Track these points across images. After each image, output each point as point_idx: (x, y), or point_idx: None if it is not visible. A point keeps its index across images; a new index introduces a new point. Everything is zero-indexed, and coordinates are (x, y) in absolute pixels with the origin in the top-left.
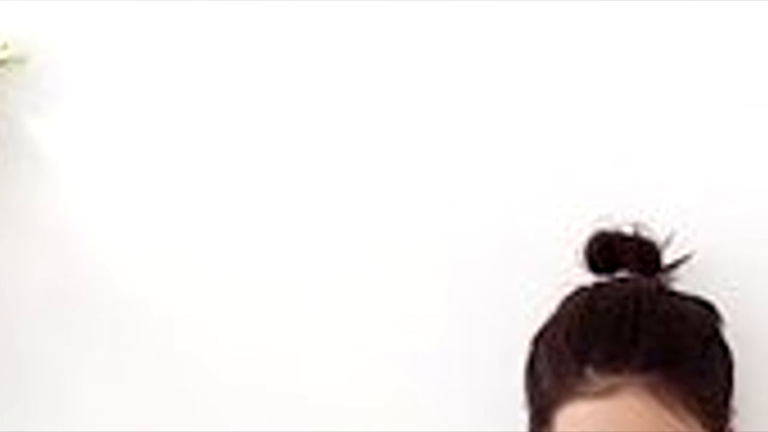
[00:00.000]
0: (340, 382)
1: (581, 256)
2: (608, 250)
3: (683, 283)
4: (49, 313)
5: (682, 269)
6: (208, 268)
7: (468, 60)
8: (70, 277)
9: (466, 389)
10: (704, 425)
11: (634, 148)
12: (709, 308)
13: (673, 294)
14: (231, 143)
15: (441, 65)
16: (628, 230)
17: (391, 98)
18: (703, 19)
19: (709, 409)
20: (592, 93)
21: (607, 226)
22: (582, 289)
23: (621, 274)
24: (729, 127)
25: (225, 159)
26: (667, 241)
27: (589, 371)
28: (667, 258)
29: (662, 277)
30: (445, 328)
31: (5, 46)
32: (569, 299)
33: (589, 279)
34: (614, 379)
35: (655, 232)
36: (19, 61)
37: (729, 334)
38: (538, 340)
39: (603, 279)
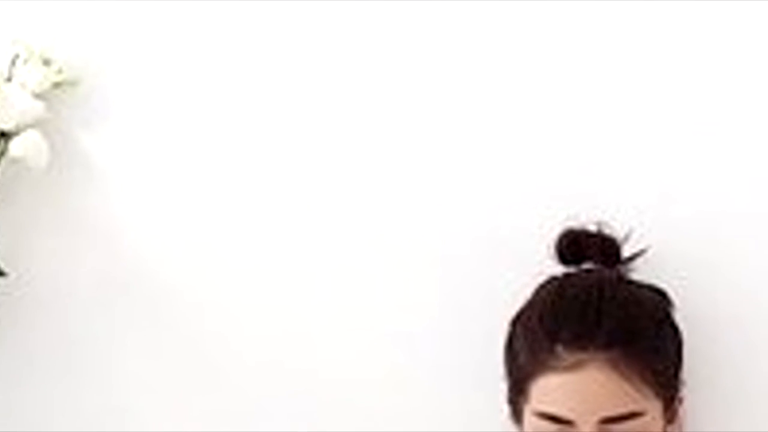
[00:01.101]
0: (346, 358)
1: (552, 250)
2: (575, 245)
3: (639, 273)
4: (97, 299)
5: (639, 261)
6: (232, 261)
7: (458, 78)
8: (116, 267)
9: (455, 364)
10: (657, 394)
11: (597, 159)
12: (661, 295)
13: (631, 282)
14: (250, 158)
15: (432, 81)
16: (592, 228)
17: (392, 113)
18: (660, 34)
19: (662, 381)
20: (561, 115)
21: (575, 224)
22: (553, 279)
23: (586, 265)
24: (679, 139)
25: (246, 170)
26: (626, 238)
27: (559, 348)
28: (626, 252)
29: (621, 268)
30: (436, 312)
31: (60, 71)
32: (542, 287)
33: (559, 270)
34: (581, 356)
35: (616, 230)
36: (72, 83)
37: (679, 317)
38: (516, 322)
39: (571, 270)
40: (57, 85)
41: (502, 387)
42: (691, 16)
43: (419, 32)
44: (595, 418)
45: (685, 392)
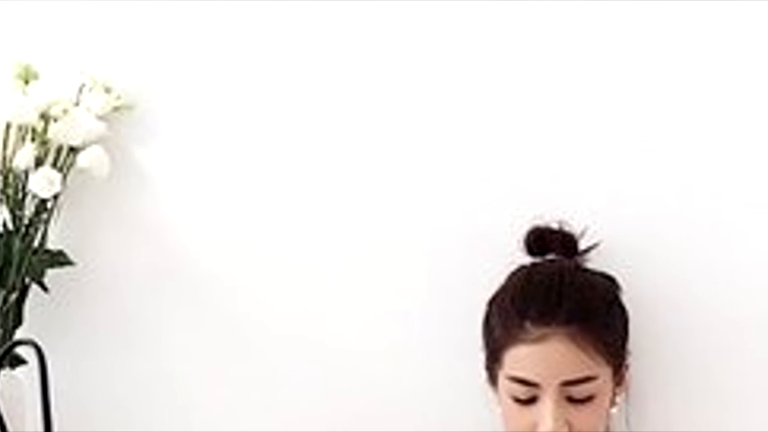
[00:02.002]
0: (351, 333)
1: (522, 244)
2: (541, 240)
3: (593, 262)
4: (149, 283)
5: (593, 253)
6: (259, 254)
7: (447, 104)
8: (164, 258)
9: (441, 337)
10: (608, 362)
11: (559, 170)
12: (611, 280)
13: (586, 270)
14: (271, 170)
15: (425, 105)
16: (554, 226)
17: (394, 132)
18: (605, 47)
19: (612, 351)
20: (529, 137)
21: (540, 223)
22: (522, 267)
23: (550, 256)
24: (624, 155)
25: (268, 180)
26: (582, 234)
27: (528, 324)
28: (582, 245)
29: (578, 259)
30: (426, 294)
31: (119, 97)
32: (514, 274)
33: (527, 260)
34: (545, 330)
35: (574, 227)
36: (129, 107)
37: (625, 299)
38: (492, 302)
39: (537, 260)
40: (116, 108)
41: (481, 356)
42: (658, 41)
43: (405, 51)
44: (557, 381)
45: (630, 360)
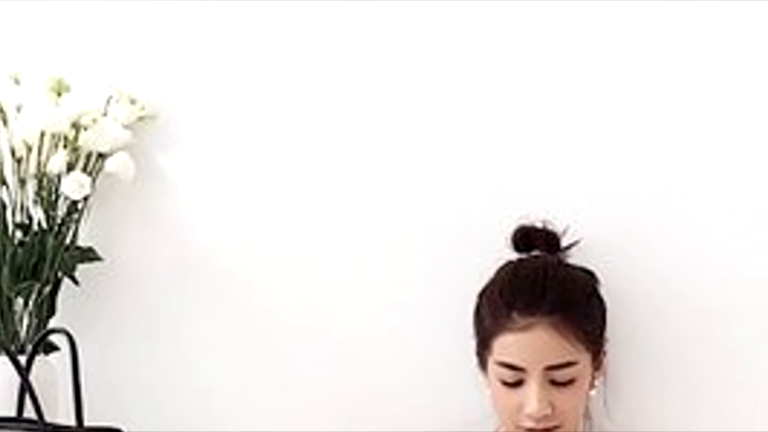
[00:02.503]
0: (355, 321)
1: (509, 241)
2: (526, 237)
3: (574, 258)
4: (170, 278)
5: (574, 249)
6: (271, 250)
7: (442, 110)
8: (185, 254)
9: (436, 326)
10: (587, 348)
11: (543, 174)
12: (590, 274)
13: (568, 265)
14: (282, 174)
15: (421, 112)
16: (539, 224)
17: (394, 137)
18: (588, 55)
19: (591, 338)
20: (516, 143)
21: (526, 222)
22: (510, 262)
23: (535, 252)
24: (603, 160)
25: (279, 184)
26: (564, 232)
27: (514, 314)
28: (564, 242)
29: (561, 255)
30: (422, 287)
31: (143, 108)
32: (502, 268)
33: (514, 256)
34: (530, 320)
35: (556, 226)
36: (152, 117)
37: (603, 291)
38: (482, 294)
39: (523, 255)
40: (141, 118)
41: (472, 343)
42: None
43: (400, 59)
44: (542, 366)
45: (608, 347)
